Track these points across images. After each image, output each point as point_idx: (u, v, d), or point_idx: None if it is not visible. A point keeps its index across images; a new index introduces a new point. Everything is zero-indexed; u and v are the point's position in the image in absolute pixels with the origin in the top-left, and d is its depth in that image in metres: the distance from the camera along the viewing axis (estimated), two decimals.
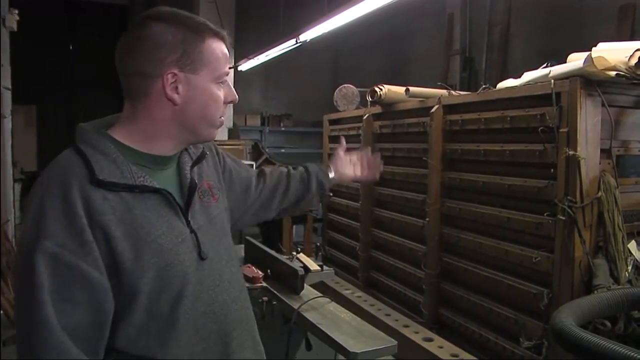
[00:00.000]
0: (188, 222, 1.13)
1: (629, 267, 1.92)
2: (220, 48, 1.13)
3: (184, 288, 1.07)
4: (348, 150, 1.75)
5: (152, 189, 1.07)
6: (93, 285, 0.97)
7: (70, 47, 10.63)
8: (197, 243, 1.12)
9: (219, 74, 1.13)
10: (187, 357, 1.07)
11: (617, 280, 1.87)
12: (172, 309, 1.05)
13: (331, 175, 1.69)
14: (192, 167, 1.20)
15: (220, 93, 1.15)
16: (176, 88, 1.07)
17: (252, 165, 6.72)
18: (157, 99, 1.07)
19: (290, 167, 1.68)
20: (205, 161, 1.28)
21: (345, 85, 3.70)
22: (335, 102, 3.68)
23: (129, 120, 1.10)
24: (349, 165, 1.71)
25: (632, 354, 1.27)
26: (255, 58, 6.57)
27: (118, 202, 1.01)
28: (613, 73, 1.85)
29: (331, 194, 3.91)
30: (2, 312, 3.86)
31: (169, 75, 1.05)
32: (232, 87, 1.21)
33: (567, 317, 1.50)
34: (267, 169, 1.63)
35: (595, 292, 1.80)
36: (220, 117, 1.16)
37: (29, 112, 9.39)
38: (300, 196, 1.63)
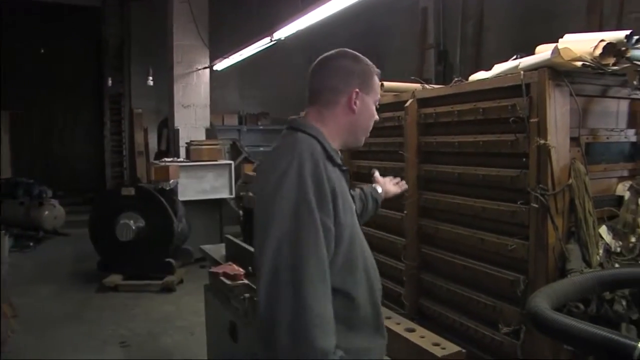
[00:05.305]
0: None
1: (600, 251, 1.98)
2: (378, 81, 1.56)
3: (362, 246, 1.46)
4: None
5: (345, 170, 1.47)
6: (328, 232, 1.29)
7: (42, 51, 10.42)
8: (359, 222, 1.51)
9: (376, 98, 1.55)
10: (368, 294, 1.46)
11: (589, 264, 1.92)
12: (357, 259, 1.41)
13: (379, 190, 2.19)
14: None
15: (375, 113, 1.56)
16: (356, 102, 1.47)
17: (230, 164, 6.64)
18: (342, 107, 1.48)
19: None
20: None
21: None
22: None
23: (317, 121, 1.48)
24: (390, 184, 2.28)
25: (602, 332, 1.32)
26: (230, 57, 6.54)
27: (337, 177, 1.39)
28: (579, 63, 1.90)
29: None
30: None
31: (355, 92, 1.47)
32: None
33: (542, 301, 1.55)
34: None
35: (569, 276, 1.86)
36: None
37: (3, 119, 9.19)
38: (359, 213, 1.95)
